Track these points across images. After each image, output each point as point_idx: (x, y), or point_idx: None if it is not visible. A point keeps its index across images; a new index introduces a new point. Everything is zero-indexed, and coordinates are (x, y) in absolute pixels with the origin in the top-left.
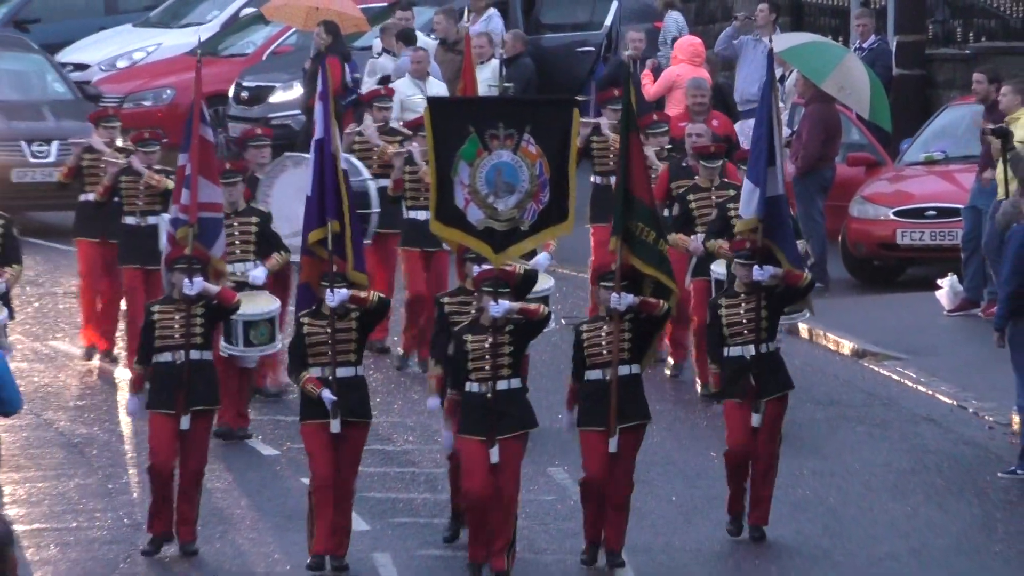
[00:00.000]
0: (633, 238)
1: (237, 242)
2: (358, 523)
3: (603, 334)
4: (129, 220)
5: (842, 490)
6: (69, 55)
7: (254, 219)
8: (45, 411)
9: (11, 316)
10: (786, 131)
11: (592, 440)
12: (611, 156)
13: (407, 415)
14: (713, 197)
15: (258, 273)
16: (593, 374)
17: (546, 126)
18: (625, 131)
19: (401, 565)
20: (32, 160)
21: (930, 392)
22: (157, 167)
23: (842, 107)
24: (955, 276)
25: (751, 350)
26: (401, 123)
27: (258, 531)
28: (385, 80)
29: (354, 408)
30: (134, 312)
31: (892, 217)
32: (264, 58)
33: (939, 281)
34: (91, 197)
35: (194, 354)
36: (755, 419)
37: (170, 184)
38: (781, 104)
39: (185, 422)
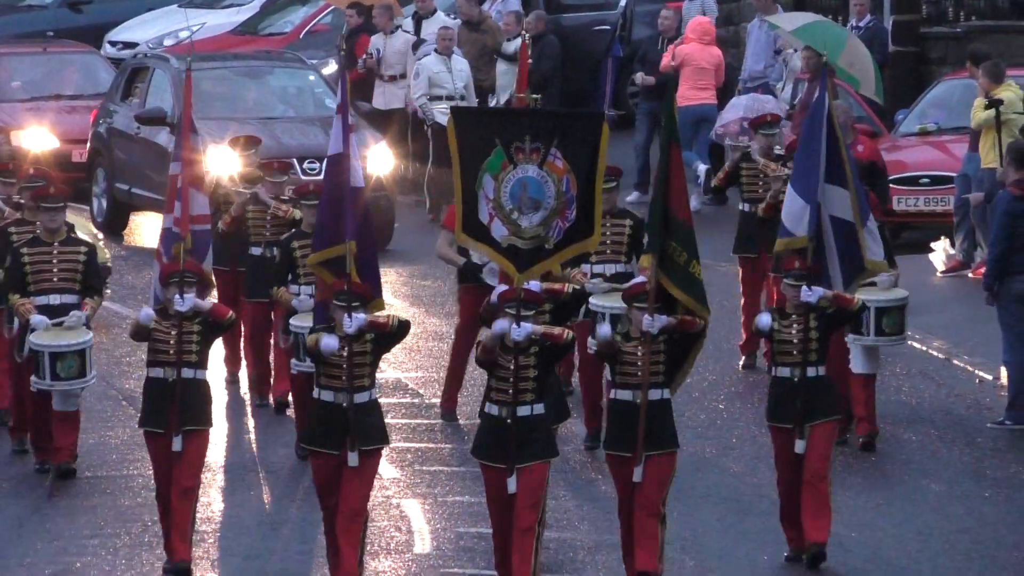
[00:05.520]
0: (667, 258)
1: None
2: (390, 471)
3: (639, 354)
4: (255, 251)
5: (843, 439)
6: (118, 35)
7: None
8: (97, 367)
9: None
10: (785, 105)
11: (619, 465)
12: (760, 183)
13: (437, 369)
14: None
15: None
16: (622, 394)
17: (574, 139)
18: (666, 143)
19: (430, 511)
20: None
21: (924, 348)
22: (284, 197)
23: (841, 82)
24: (947, 240)
25: (799, 372)
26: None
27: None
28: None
29: (370, 435)
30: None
31: (889, 184)
32: (301, 37)
33: (932, 244)
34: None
35: (187, 372)
36: (799, 445)
37: (297, 214)
38: (772, 82)
39: (177, 443)
